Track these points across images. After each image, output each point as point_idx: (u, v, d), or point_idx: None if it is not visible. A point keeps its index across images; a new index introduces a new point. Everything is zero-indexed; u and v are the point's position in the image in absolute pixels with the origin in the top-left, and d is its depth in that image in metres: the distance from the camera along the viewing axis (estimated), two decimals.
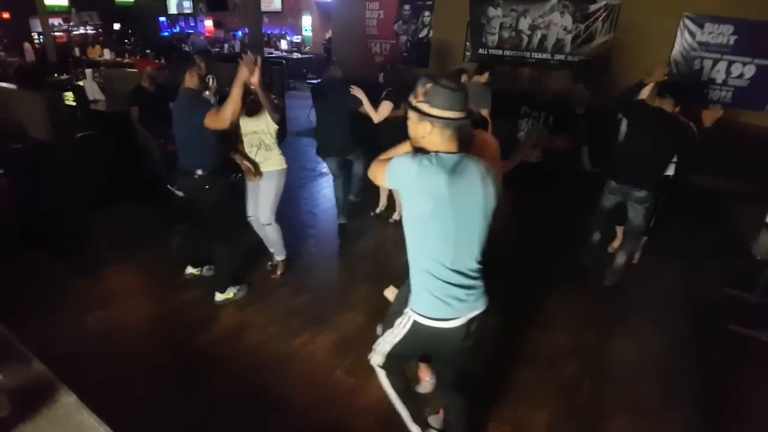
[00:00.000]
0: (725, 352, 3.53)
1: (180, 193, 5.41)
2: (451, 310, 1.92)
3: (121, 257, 4.37)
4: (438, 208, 1.79)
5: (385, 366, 2.22)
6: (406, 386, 2.36)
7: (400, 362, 2.26)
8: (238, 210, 3.91)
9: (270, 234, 3.98)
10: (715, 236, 5.23)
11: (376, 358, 2.21)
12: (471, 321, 1.98)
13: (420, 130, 1.83)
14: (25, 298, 3.62)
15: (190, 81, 3.32)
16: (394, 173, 1.86)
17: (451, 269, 1.88)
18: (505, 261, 4.30)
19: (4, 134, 4.58)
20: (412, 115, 1.86)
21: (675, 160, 4.19)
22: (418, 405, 2.42)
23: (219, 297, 3.79)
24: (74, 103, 5.98)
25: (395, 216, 5.24)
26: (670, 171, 4.26)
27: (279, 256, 4.13)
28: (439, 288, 1.89)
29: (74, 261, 4.21)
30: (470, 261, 1.93)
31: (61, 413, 1.58)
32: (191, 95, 3.32)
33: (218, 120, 3.12)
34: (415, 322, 1.98)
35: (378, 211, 5.47)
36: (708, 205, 5.95)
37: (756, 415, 2.97)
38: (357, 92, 4.31)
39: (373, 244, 4.92)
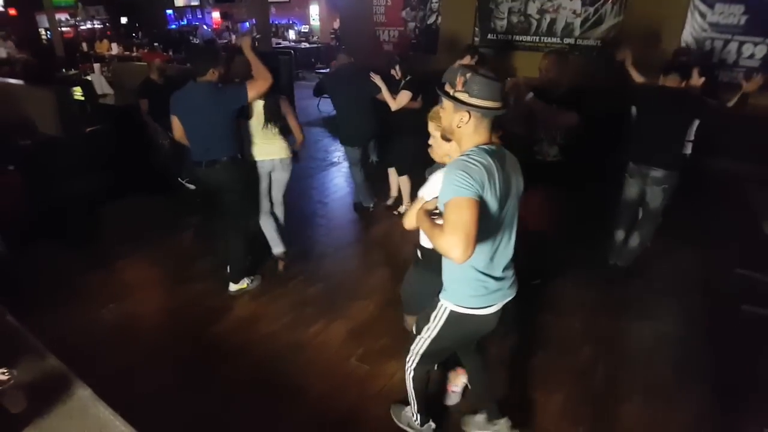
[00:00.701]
0: (738, 332, 3.51)
1: (192, 186, 5.45)
2: (486, 299, 1.99)
3: (132, 249, 4.39)
4: (498, 203, 1.80)
5: (417, 368, 2.33)
6: (425, 387, 2.48)
7: (434, 361, 2.38)
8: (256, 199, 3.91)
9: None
10: (729, 218, 5.17)
11: (414, 359, 2.31)
12: (504, 306, 2.08)
13: (456, 119, 1.80)
14: (38, 292, 3.66)
15: (212, 76, 3.31)
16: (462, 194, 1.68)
17: (493, 261, 1.94)
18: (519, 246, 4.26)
19: (14, 130, 4.61)
20: (447, 105, 1.84)
21: (691, 138, 4.15)
22: (426, 405, 2.55)
23: (233, 287, 3.81)
24: (83, 98, 5.99)
25: (401, 209, 5.21)
26: (687, 150, 4.22)
27: (274, 250, 4.09)
28: (479, 280, 1.94)
29: (86, 254, 4.25)
30: (509, 250, 2.00)
31: (76, 407, 1.58)
32: (214, 86, 3.31)
33: (261, 81, 3.28)
34: (451, 312, 2.03)
35: (390, 202, 5.44)
36: (721, 187, 5.88)
37: None
38: (376, 79, 4.40)
39: (384, 233, 4.91)
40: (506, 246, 1.97)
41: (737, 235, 4.72)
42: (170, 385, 2.91)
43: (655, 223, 4.05)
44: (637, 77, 4.08)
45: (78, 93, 6.00)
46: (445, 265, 2.02)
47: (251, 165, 3.73)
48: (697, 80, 3.86)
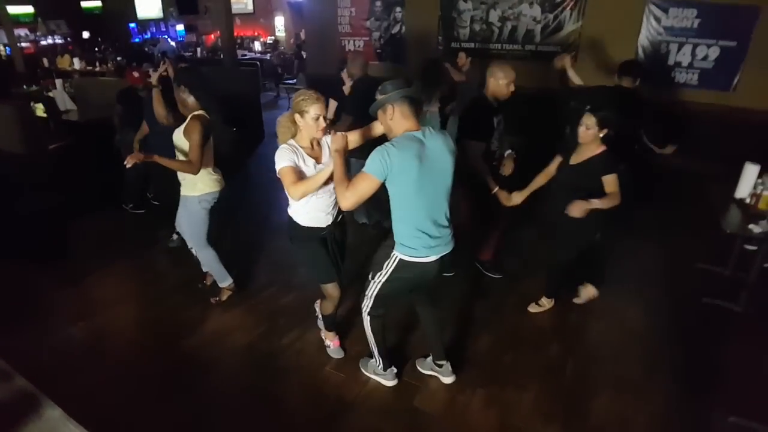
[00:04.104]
0: (701, 324, 3.64)
1: (156, 202, 5.40)
2: (426, 251, 2.48)
3: (102, 265, 4.34)
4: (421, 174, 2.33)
5: (371, 311, 2.78)
6: (382, 333, 2.91)
7: (385, 303, 2.77)
8: None
9: None
10: (687, 214, 5.37)
11: (367, 302, 2.76)
12: (442, 258, 2.55)
13: (386, 117, 2.39)
14: (5, 310, 3.57)
15: None
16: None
17: (430, 221, 2.44)
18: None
19: None
20: (381, 117, 2.45)
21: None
22: (387, 351, 2.99)
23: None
24: (45, 115, 5.90)
25: None
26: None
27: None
28: (417, 237, 2.46)
29: (56, 271, 4.18)
30: (443, 213, 2.51)
31: (46, 427, 1.57)
32: None
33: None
34: (400, 260, 2.53)
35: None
36: (680, 184, 6.09)
37: (734, 384, 3.06)
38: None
39: (357, 244, 4.92)
40: (440, 209, 2.48)
41: (696, 230, 4.92)
42: (145, 399, 2.89)
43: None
44: (576, 80, 4.34)
45: (40, 109, 5.91)
46: (397, 224, 2.50)
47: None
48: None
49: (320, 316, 3.34)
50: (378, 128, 2.66)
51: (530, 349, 3.37)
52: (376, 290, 2.68)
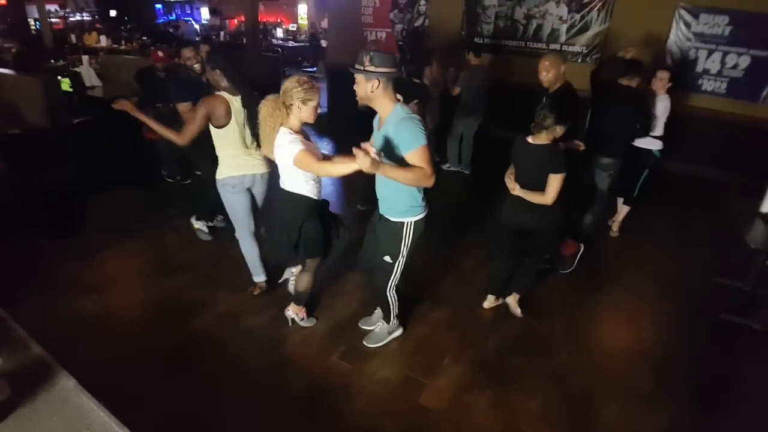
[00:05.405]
0: (717, 340, 3.56)
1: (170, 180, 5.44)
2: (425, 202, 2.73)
3: (117, 241, 4.38)
4: None
5: (398, 284, 2.98)
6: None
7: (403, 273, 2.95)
8: None
9: None
10: (708, 225, 5.27)
11: (393, 282, 2.94)
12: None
13: (369, 87, 2.44)
14: (22, 282, 3.62)
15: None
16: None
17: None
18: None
19: (1, 119, 4.57)
20: (360, 78, 2.45)
21: (658, 134, 4.57)
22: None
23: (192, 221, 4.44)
24: (71, 89, 5.96)
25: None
26: (651, 146, 4.60)
27: (255, 277, 3.79)
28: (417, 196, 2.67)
29: (71, 244, 4.22)
30: None
31: (60, 396, 1.59)
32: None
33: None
34: (414, 223, 2.71)
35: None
36: (702, 194, 6.00)
37: (747, 402, 3.02)
38: None
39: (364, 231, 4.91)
40: None
41: (716, 242, 4.83)
42: (152, 376, 2.91)
43: (605, 200, 4.47)
44: None
45: (66, 84, 5.97)
46: (403, 193, 2.62)
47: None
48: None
49: (294, 290, 3.40)
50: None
51: (540, 353, 3.33)
52: (401, 266, 2.87)
